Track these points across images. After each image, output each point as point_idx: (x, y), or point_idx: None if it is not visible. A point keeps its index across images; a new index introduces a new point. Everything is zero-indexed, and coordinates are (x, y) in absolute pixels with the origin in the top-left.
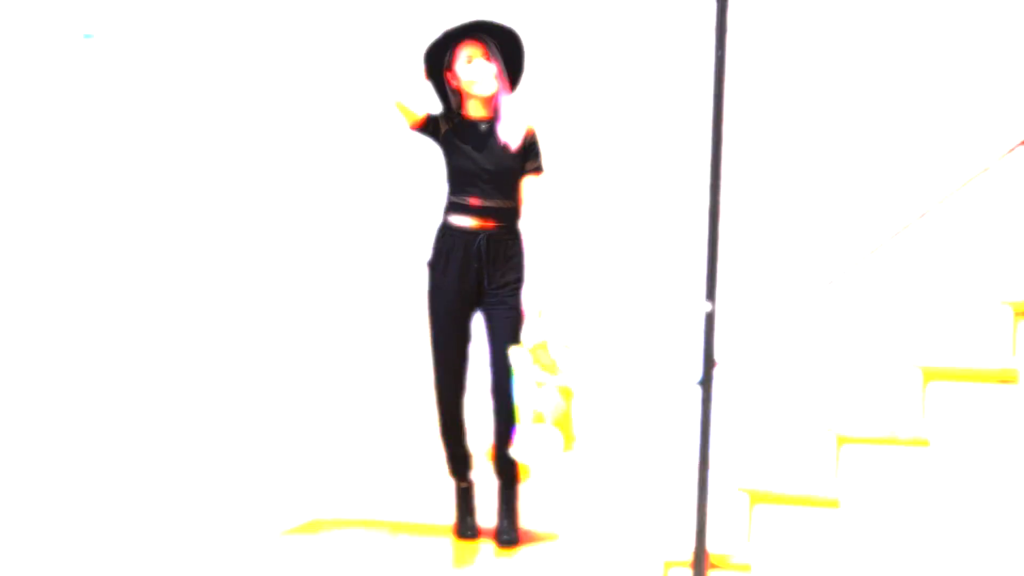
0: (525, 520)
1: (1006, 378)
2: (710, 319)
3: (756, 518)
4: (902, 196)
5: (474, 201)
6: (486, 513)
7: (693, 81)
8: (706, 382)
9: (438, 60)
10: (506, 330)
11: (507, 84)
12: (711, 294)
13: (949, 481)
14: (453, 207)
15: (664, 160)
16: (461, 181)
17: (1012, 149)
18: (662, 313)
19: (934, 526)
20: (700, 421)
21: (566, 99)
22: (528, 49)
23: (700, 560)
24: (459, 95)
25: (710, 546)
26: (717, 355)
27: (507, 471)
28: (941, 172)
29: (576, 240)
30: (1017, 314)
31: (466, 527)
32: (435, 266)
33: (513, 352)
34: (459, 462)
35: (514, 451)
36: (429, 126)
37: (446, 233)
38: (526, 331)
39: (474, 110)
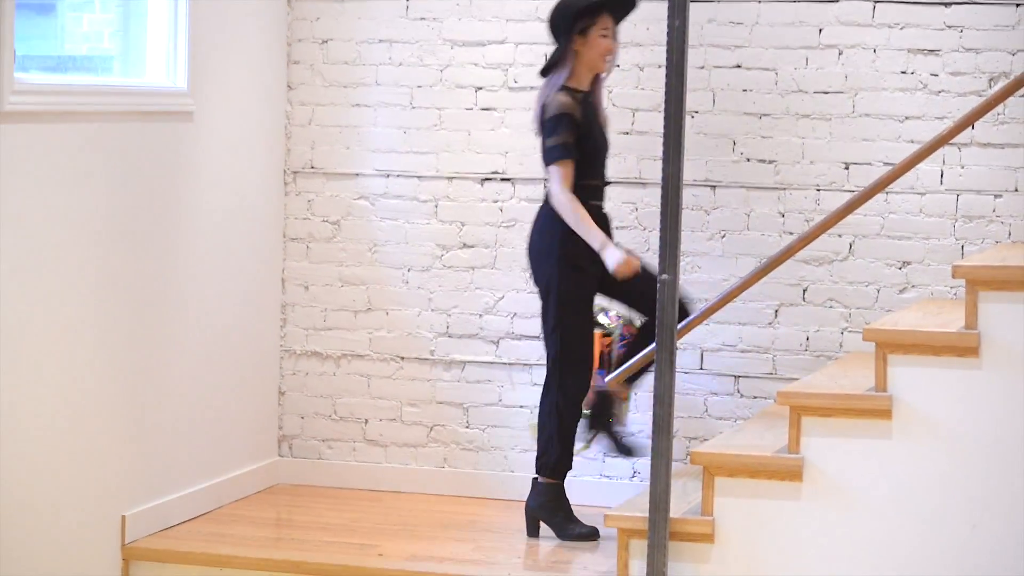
0: None
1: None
2: (669, 286)
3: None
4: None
5: (599, 181)
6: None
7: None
8: (664, 347)
9: (573, 22)
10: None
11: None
12: (672, 264)
13: (911, 454)
14: (586, 188)
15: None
16: (592, 159)
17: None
18: None
19: (894, 500)
20: (657, 387)
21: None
22: None
23: (657, 533)
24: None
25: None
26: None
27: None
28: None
29: None
30: (971, 284)
31: (583, 526)
32: (580, 254)
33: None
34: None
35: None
36: None
37: (596, 221)
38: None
39: (581, 82)
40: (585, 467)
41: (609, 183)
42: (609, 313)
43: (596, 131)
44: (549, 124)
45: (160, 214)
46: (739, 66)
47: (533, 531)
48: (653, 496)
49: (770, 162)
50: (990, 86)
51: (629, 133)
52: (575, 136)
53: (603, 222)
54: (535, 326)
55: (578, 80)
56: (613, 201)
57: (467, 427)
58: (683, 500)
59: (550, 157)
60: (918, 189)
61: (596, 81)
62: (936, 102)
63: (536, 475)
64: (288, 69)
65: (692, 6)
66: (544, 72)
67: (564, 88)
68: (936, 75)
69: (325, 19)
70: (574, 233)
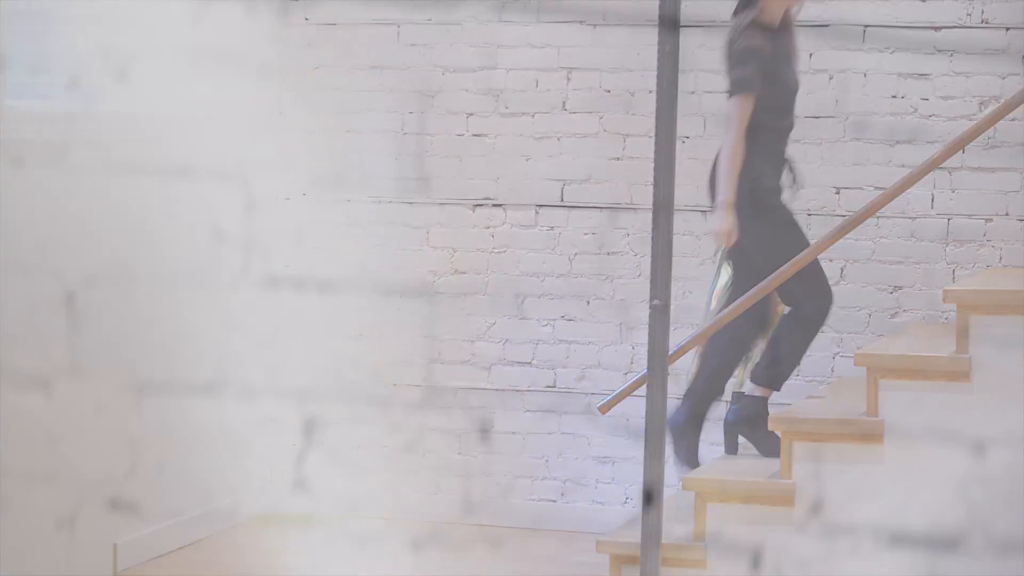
0: None
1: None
2: (660, 312)
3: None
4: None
5: (786, 122)
6: None
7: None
8: (655, 373)
9: None
10: None
11: None
12: (663, 290)
13: (902, 478)
14: (771, 128)
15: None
16: (780, 99)
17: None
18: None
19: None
20: (648, 413)
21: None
22: None
23: (649, 559)
24: None
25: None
26: None
27: None
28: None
29: None
30: (962, 308)
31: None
32: (775, 204)
33: None
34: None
35: None
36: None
37: (779, 162)
38: None
39: (772, 19)
40: (578, 493)
41: (794, 126)
42: None
43: (787, 71)
44: (735, 56)
45: (149, 242)
46: None
47: (732, 448)
48: (645, 522)
49: None
50: (980, 110)
51: (620, 159)
52: (761, 73)
53: (785, 165)
54: (527, 352)
55: (770, 17)
56: (604, 227)
57: (459, 454)
58: (676, 526)
59: (732, 90)
60: (909, 213)
61: (787, 17)
62: (927, 126)
63: (741, 390)
64: (279, 95)
65: (683, 31)
66: (737, 11)
67: (754, 23)
68: (927, 99)
69: (316, 45)
70: (750, 177)
